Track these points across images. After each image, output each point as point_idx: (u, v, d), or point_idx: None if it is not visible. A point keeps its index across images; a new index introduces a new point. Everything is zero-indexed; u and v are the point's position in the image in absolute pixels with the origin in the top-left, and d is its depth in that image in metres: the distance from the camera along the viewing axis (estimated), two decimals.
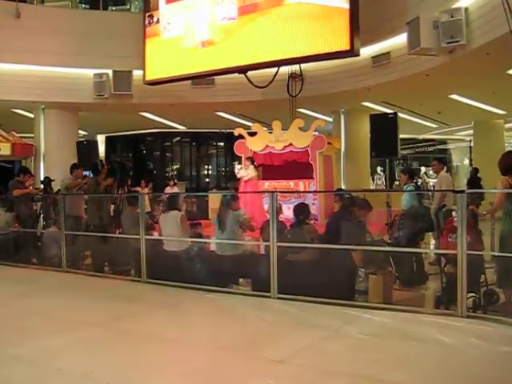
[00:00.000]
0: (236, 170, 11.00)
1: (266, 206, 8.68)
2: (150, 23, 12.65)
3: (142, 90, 12.81)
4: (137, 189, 12.15)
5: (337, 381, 3.48)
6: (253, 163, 10.92)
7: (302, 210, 6.27)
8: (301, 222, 6.13)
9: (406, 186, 8.05)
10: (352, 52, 10.08)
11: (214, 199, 12.11)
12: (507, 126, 17.44)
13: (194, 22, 12.10)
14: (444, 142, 24.63)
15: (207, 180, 22.47)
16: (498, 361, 3.73)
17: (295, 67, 11.78)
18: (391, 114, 9.77)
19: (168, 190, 14.15)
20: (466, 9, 8.68)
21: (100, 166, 8.20)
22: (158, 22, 12.56)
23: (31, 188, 9.30)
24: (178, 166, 22.30)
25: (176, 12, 12.34)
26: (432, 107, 15.01)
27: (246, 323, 4.85)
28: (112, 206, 8.17)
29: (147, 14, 12.76)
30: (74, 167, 8.71)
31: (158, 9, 12.58)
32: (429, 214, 7.21)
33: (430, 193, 10.15)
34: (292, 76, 11.95)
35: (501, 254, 4.95)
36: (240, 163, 11.20)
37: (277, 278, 5.53)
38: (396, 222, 7.10)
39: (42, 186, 10.13)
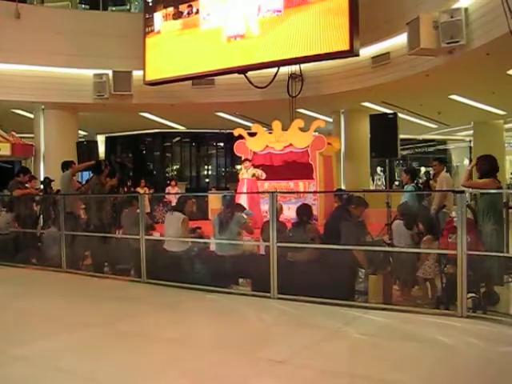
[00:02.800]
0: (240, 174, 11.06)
1: (266, 206, 8.66)
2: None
3: (141, 91, 12.82)
4: (137, 189, 12.17)
5: (337, 381, 3.48)
6: (252, 165, 10.89)
7: (304, 211, 6.27)
8: (303, 222, 6.13)
9: (406, 187, 8.04)
10: (352, 52, 10.07)
11: (214, 200, 12.14)
12: (507, 126, 17.46)
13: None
14: (444, 142, 24.62)
15: (207, 180, 22.48)
16: (497, 361, 3.74)
17: (295, 67, 11.76)
18: (391, 114, 9.76)
19: (169, 190, 14.18)
20: (466, 9, 8.70)
21: (103, 165, 8.14)
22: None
23: (32, 189, 9.29)
24: (177, 167, 22.32)
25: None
26: (432, 107, 15.01)
27: (246, 323, 4.86)
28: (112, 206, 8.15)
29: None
30: (68, 165, 8.67)
31: None
32: (428, 214, 7.20)
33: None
34: (292, 76, 11.94)
35: (501, 255, 4.94)
36: (242, 163, 11.17)
37: (277, 278, 5.54)
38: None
39: (41, 187, 10.13)
